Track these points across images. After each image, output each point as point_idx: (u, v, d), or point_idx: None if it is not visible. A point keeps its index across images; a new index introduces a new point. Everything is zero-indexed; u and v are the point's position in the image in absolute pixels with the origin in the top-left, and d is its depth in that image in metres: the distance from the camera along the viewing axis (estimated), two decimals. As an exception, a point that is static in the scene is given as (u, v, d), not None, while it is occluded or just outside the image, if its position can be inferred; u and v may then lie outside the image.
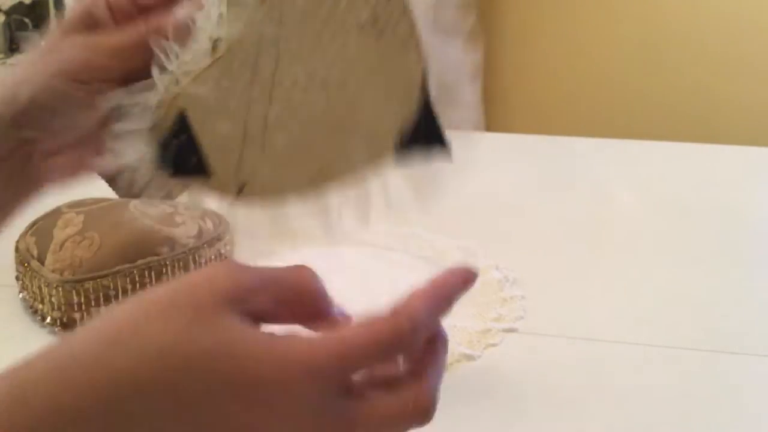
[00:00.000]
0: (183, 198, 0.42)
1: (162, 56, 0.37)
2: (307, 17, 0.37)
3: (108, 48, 0.40)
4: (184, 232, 0.64)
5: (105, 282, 0.60)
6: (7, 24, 2.15)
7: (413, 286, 0.35)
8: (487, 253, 0.74)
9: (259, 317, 0.32)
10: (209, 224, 0.67)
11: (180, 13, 0.39)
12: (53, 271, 0.60)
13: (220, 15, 0.37)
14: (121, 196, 0.64)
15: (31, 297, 0.63)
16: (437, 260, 0.73)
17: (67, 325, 0.60)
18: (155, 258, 0.62)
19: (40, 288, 0.61)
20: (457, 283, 0.36)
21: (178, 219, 0.65)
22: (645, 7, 2.36)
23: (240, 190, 0.41)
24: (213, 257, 0.66)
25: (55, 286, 0.60)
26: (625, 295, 0.68)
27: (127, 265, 0.61)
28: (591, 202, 0.91)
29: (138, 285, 0.61)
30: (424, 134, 0.38)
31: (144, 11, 0.40)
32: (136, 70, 0.39)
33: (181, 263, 0.63)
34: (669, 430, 0.51)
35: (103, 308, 0.60)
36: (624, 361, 0.58)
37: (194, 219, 0.66)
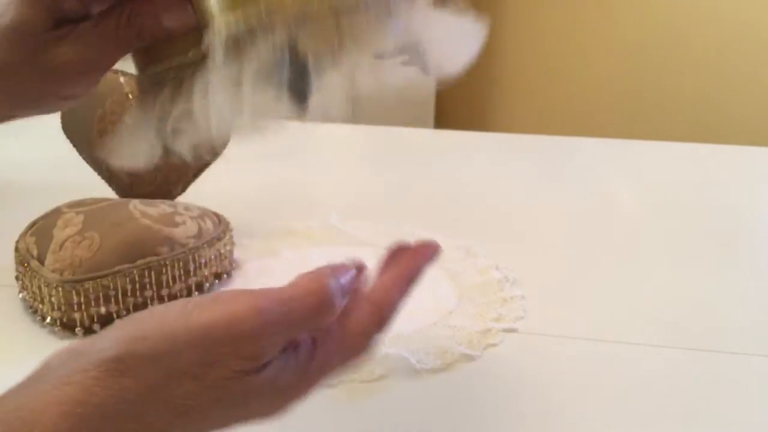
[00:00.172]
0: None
1: None
2: None
3: None
4: (184, 232, 0.65)
5: (105, 282, 0.60)
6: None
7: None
8: (487, 253, 0.74)
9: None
10: (209, 224, 0.67)
11: None
12: (53, 271, 0.60)
13: None
14: (121, 196, 0.65)
15: (31, 297, 0.63)
16: (437, 260, 0.73)
17: (67, 325, 0.60)
18: (155, 258, 0.62)
19: (40, 288, 0.61)
20: (422, 261, 0.40)
21: (178, 219, 0.65)
22: (645, 7, 2.36)
23: None
24: (213, 257, 0.66)
25: (55, 286, 0.60)
26: (625, 295, 0.68)
27: (127, 265, 0.61)
28: (591, 202, 0.91)
29: (138, 285, 0.61)
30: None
31: None
32: None
33: (181, 263, 0.63)
34: (669, 430, 0.51)
35: (103, 308, 0.60)
36: (624, 361, 0.58)
37: (194, 219, 0.67)
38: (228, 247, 0.69)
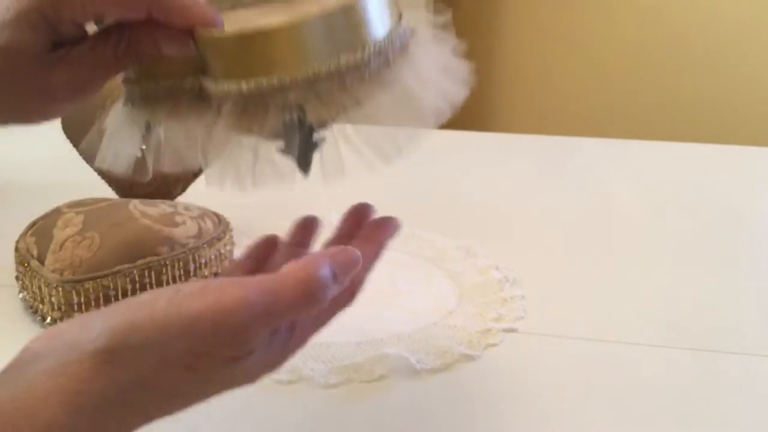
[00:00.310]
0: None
1: None
2: None
3: None
4: (184, 232, 0.64)
5: (105, 282, 0.60)
6: None
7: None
8: (487, 253, 0.74)
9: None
10: (209, 224, 0.67)
11: None
12: (53, 271, 0.60)
13: None
14: (121, 196, 0.66)
15: (31, 297, 0.63)
16: (437, 260, 0.73)
17: (67, 325, 0.60)
18: (155, 258, 0.62)
19: (40, 288, 0.61)
20: (386, 237, 0.43)
21: (178, 219, 0.65)
22: (645, 7, 2.36)
23: None
24: (213, 257, 0.66)
25: (55, 286, 0.60)
26: (625, 295, 0.68)
27: (127, 265, 0.61)
28: (591, 202, 0.91)
29: (138, 285, 0.61)
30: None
31: None
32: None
33: (181, 263, 0.63)
34: (669, 430, 0.51)
35: (103, 308, 0.60)
36: (624, 361, 0.58)
37: (194, 219, 0.66)
38: (228, 247, 0.69)
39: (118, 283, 0.60)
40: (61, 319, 0.60)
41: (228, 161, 0.41)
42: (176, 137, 0.41)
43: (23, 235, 0.66)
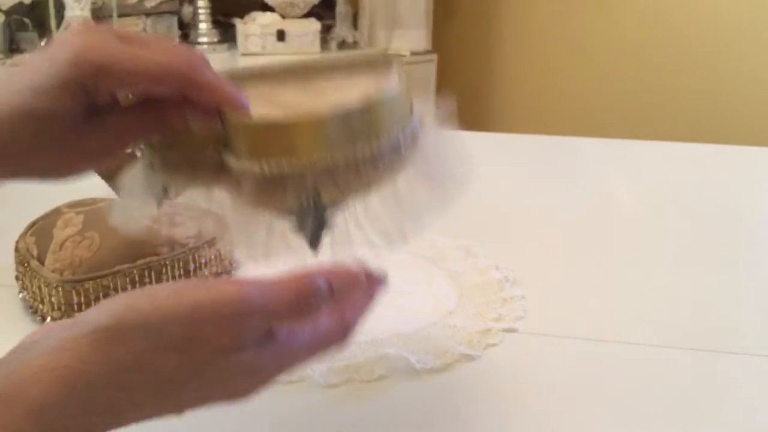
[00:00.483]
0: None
1: None
2: None
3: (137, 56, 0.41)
4: (184, 232, 0.64)
5: (105, 282, 0.60)
6: (7, 24, 2.15)
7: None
8: (487, 253, 0.74)
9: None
10: (209, 224, 0.67)
11: None
12: (53, 271, 0.60)
13: None
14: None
15: (31, 297, 0.63)
16: (437, 260, 0.73)
17: (67, 325, 0.60)
18: (155, 258, 0.62)
19: (40, 288, 0.61)
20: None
21: (178, 219, 0.65)
22: (645, 7, 2.36)
23: None
24: (213, 257, 0.66)
25: (55, 286, 0.60)
26: (625, 295, 0.68)
27: (127, 265, 0.61)
28: (591, 202, 0.91)
29: (138, 285, 0.61)
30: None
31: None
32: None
33: (181, 263, 0.63)
34: (669, 430, 0.51)
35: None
36: (624, 361, 0.58)
37: (194, 219, 0.66)
38: (228, 247, 0.69)
39: (118, 283, 0.60)
40: (61, 318, 0.60)
41: (242, 231, 0.45)
42: (196, 202, 0.46)
43: (23, 235, 0.66)
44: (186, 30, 2.42)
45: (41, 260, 0.62)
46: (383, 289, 0.42)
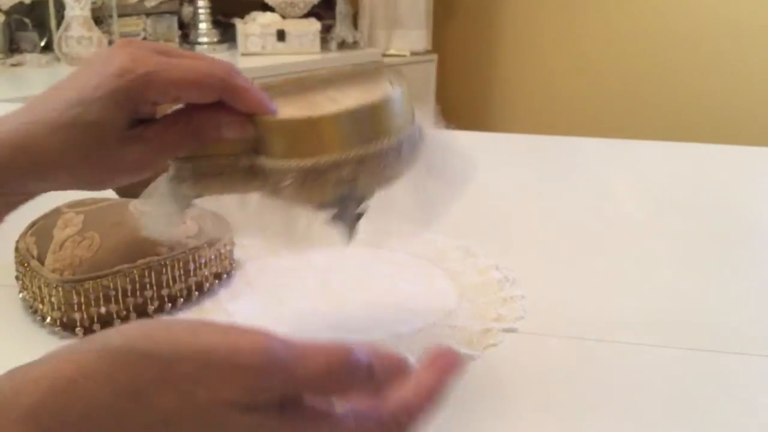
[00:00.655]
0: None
1: None
2: None
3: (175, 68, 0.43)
4: (184, 232, 0.64)
5: (105, 282, 0.60)
6: (7, 24, 2.15)
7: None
8: (487, 253, 0.74)
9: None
10: (209, 224, 0.67)
11: None
12: (53, 271, 0.60)
13: None
14: (121, 196, 0.68)
15: (31, 297, 0.63)
16: (437, 260, 0.73)
17: (67, 325, 0.60)
18: (155, 258, 0.62)
19: (40, 288, 0.61)
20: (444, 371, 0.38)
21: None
22: (645, 7, 2.36)
23: None
24: (213, 257, 0.66)
25: (55, 286, 0.60)
26: (625, 295, 0.68)
27: (127, 265, 0.61)
28: (591, 202, 0.91)
29: (138, 285, 0.61)
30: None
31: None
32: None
33: (181, 263, 0.63)
34: (669, 430, 0.51)
35: (103, 308, 0.60)
36: (624, 361, 0.58)
37: (194, 219, 0.66)
38: (228, 247, 0.69)
39: (118, 283, 0.60)
40: (61, 318, 0.60)
41: (280, 227, 0.48)
42: (230, 208, 0.49)
43: (23, 235, 0.66)
44: (186, 30, 2.42)
45: (41, 260, 0.62)
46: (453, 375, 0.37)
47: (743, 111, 2.20)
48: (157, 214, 0.49)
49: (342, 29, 2.42)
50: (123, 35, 2.22)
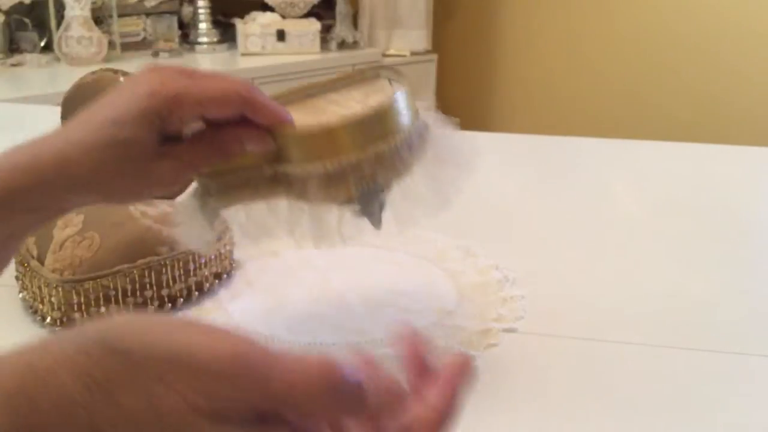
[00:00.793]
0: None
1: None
2: None
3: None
4: (184, 232, 0.64)
5: (105, 282, 0.60)
6: (7, 24, 2.15)
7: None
8: (487, 253, 0.74)
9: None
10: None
11: None
12: (53, 271, 0.60)
13: None
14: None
15: (31, 297, 0.63)
16: (437, 260, 0.73)
17: (67, 325, 0.60)
18: (155, 258, 0.62)
19: (40, 288, 0.61)
20: (456, 374, 0.38)
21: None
22: (645, 7, 2.36)
23: None
24: (213, 257, 0.66)
25: (54, 286, 0.60)
26: (625, 295, 0.68)
27: (127, 265, 0.61)
28: (591, 202, 0.91)
29: (138, 285, 0.61)
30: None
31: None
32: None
33: (181, 263, 0.63)
34: (669, 430, 0.51)
35: (103, 308, 0.60)
36: (624, 361, 0.58)
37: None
38: (228, 247, 0.69)
39: (118, 283, 0.60)
40: (61, 319, 0.60)
41: (311, 226, 0.51)
42: (260, 215, 0.52)
43: (23, 235, 0.66)
44: (186, 30, 2.42)
45: (41, 260, 0.62)
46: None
47: (743, 111, 2.20)
48: (189, 228, 0.52)
49: (342, 29, 2.42)
50: (123, 35, 2.22)
